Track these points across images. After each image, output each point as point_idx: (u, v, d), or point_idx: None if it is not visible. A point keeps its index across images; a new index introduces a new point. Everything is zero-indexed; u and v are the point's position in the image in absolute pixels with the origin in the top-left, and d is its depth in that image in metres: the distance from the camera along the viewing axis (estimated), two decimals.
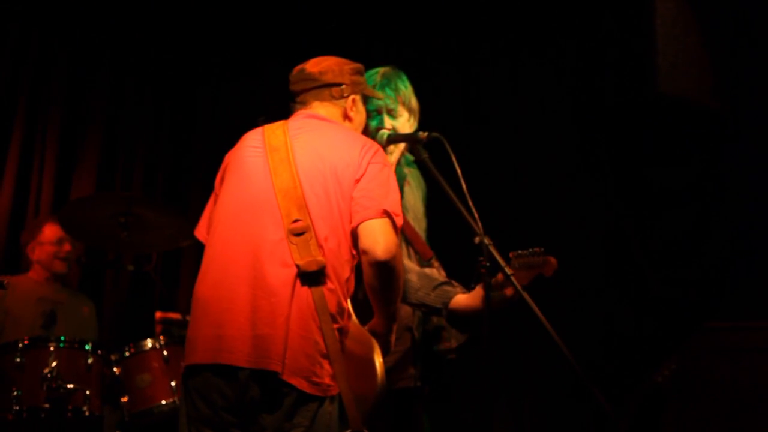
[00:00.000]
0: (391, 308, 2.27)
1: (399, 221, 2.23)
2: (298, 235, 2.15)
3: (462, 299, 2.58)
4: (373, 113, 2.73)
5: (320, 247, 2.15)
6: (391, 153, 2.76)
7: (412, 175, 2.90)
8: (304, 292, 2.11)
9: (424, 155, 2.55)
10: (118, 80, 4.66)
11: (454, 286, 2.64)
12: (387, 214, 2.18)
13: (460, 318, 2.62)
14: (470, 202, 2.35)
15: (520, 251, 2.47)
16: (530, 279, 2.49)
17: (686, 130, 4.10)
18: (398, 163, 2.85)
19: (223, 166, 2.38)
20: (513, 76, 4.53)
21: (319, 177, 2.22)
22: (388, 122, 2.72)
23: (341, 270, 2.18)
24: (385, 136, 2.68)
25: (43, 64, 4.48)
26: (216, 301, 2.15)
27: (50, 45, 4.50)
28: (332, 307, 2.13)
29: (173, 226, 3.62)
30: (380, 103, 2.72)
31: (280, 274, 2.12)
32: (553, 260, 2.47)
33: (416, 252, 2.74)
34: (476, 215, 2.34)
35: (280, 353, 2.06)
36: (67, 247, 4.00)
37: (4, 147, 4.35)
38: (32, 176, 4.40)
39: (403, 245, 2.72)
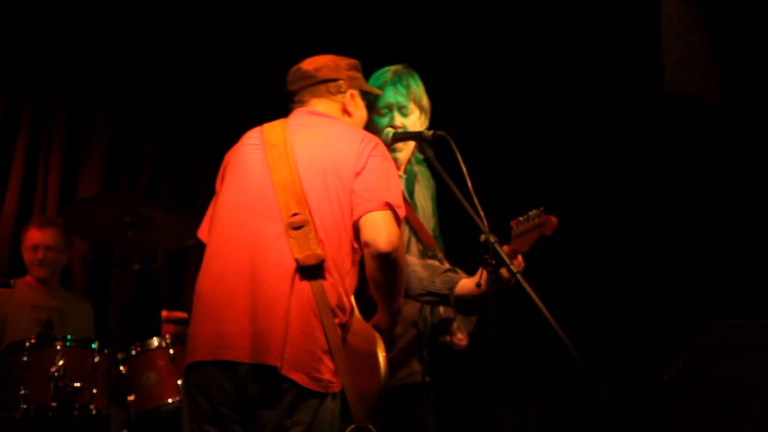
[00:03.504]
0: (394, 302, 2.26)
1: (401, 213, 2.22)
2: (297, 228, 2.13)
3: (467, 283, 2.58)
4: (384, 110, 2.72)
5: (320, 241, 2.14)
6: (401, 150, 2.76)
7: (422, 173, 2.89)
8: (304, 286, 2.10)
9: (429, 153, 2.55)
10: (122, 80, 4.66)
11: (458, 273, 2.63)
12: (389, 206, 2.18)
13: (467, 303, 2.62)
14: (476, 200, 2.35)
15: (520, 218, 2.45)
16: (533, 242, 2.44)
17: (691, 127, 4.09)
18: (408, 162, 2.84)
19: (223, 165, 2.39)
20: (516, 74, 4.52)
21: (318, 171, 2.21)
22: (398, 120, 2.71)
23: (342, 263, 2.17)
24: (390, 134, 2.68)
25: (47, 66, 4.48)
26: (216, 297, 2.15)
27: (55, 46, 4.50)
28: (333, 301, 2.12)
29: (179, 225, 3.62)
30: (391, 100, 2.71)
31: (279, 269, 2.11)
32: (553, 218, 2.43)
33: (421, 243, 2.74)
34: (482, 213, 2.34)
35: (279, 348, 2.05)
36: (40, 254, 3.92)
37: (10, 148, 4.35)
38: (38, 176, 4.41)
39: (409, 235, 2.71)
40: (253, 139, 2.35)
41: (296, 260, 2.11)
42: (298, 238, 2.13)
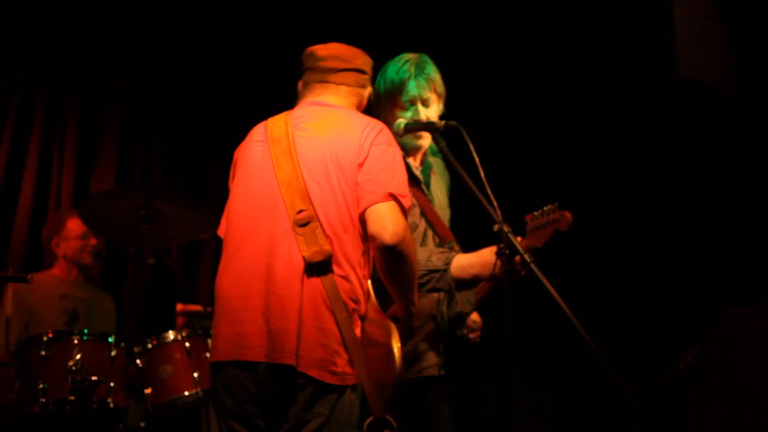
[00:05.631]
0: (407, 292, 2.25)
1: (406, 203, 2.20)
2: (303, 225, 2.14)
3: (465, 257, 2.58)
4: (407, 104, 2.71)
5: (327, 236, 2.14)
6: (425, 137, 2.74)
7: (437, 164, 2.89)
8: (315, 282, 2.11)
9: (442, 144, 2.54)
10: (134, 75, 4.68)
11: (452, 252, 2.65)
12: (393, 196, 2.17)
13: (467, 280, 2.62)
14: (488, 190, 2.34)
15: (534, 212, 2.45)
16: (548, 237, 2.44)
17: (705, 114, 4.06)
18: (425, 153, 2.84)
19: (233, 163, 2.40)
20: (529, 60, 4.49)
21: (320, 165, 2.20)
22: (422, 113, 2.70)
23: (352, 255, 2.17)
24: (402, 125, 2.67)
25: (60, 61, 4.51)
26: (234, 298, 2.18)
27: (66, 42, 4.53)
28: (345, 294, 2.13)
29: (193, 219, 3.64)
30: (414, 93, 2.69)
31: (289, 267, 2.12)
32: (568, 214, 2.43)
33: (437, 235, 2.73)
34: (495, 203, 2.33)
35: (293, 346, 2.07)
36: (93, 240, 4.01)
37: (25, 143, 4.38)
38: (52, 172, 4.44)
39: (425, 228, 2.71)
40: (258, 136, 2.35)
41: (304, 257, 2.11)
42: (305, 235, 2.13)
